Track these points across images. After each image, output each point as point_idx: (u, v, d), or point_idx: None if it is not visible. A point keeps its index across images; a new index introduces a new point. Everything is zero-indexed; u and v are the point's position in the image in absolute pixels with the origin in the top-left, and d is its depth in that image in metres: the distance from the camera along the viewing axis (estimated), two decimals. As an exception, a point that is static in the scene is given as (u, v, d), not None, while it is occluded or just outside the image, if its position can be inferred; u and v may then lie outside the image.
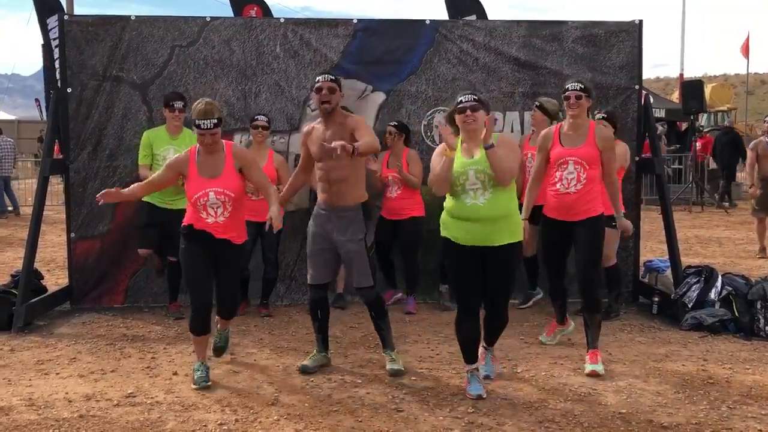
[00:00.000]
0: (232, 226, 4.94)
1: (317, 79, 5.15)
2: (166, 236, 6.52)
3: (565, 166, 5.25)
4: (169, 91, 6.83)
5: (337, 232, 5.14)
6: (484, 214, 4.50)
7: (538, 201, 5.63)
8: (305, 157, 5.36)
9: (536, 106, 6.79)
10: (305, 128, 5.36)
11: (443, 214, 4.72)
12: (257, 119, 6.84)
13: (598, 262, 5.36)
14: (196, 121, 4.75)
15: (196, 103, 4.85)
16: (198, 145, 4.92)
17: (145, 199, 6.28)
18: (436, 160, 4.60)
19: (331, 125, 5.12)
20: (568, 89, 5.28)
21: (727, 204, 16.93)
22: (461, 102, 4.50)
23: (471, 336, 4.75)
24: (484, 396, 4.63)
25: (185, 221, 4.98)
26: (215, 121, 4.76)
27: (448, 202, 4.68)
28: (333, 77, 5.16)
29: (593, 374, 5.06)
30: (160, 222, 6.56)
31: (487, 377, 4.96)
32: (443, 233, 4.70)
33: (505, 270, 4.65)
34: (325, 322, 5.35)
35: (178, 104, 6.58)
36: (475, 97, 4.51)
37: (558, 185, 5.29)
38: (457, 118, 4.52)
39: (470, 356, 4.78)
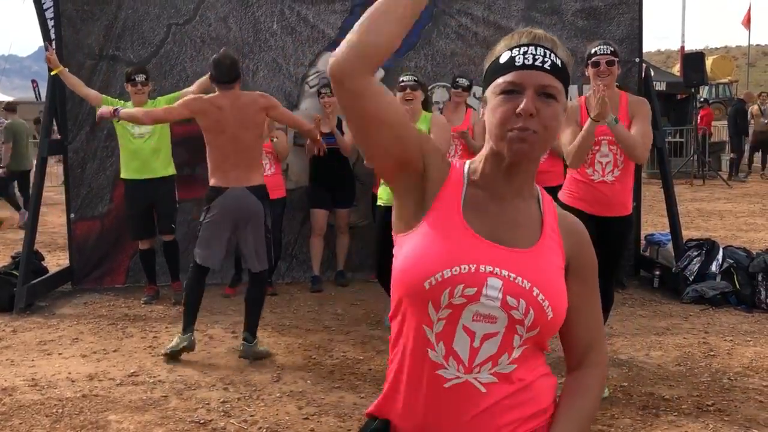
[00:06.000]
0: None
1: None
2: (157, 213, 6.50)
3: (597, 147, 4.30)
4: (132, 67, 6.60)
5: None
6: None
7: (551, 182, 5.47)
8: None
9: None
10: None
11: None
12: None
13: (621, 261, 4.69)
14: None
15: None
16: None
17: (123, 176, 6.45)
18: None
19: None
20: (596, 53, 4.31)
21: (742, 175, 16.79)
22: (402, 81, 5.40)
23: None
24: None
25: None
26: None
27: None
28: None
29: None
30: (148, 202, 6.46)
31: None
32: None
33: None
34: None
35: (140, 77, 6.37)
36: (416, 78, 5.42)
37: (589, 170, 4.35)
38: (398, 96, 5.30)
39: None
